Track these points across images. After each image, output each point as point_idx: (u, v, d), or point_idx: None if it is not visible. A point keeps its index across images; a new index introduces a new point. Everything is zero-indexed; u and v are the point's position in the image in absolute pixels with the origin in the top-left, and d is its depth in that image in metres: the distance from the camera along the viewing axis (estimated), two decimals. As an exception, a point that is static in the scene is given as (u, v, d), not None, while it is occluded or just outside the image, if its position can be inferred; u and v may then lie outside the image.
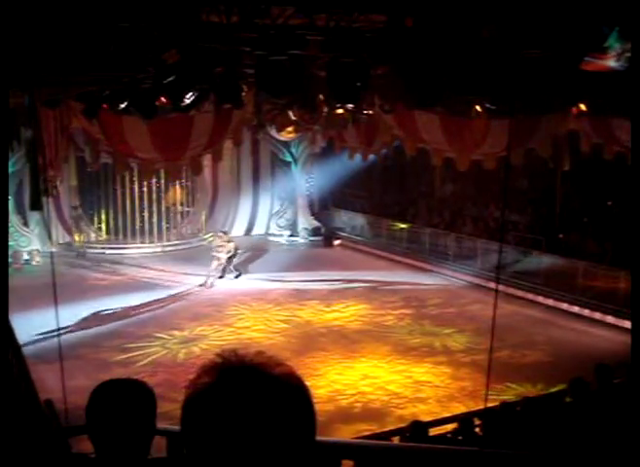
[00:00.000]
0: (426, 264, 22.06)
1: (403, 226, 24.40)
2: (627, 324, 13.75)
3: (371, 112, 16.40)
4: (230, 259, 20.54)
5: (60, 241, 23.89)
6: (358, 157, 21.24)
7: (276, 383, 1.18)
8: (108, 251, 23.82)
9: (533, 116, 14.99)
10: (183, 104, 12.10)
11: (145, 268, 21.96)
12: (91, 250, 23.89)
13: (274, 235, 26.72)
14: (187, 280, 20.17)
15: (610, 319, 16.47)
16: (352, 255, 24.50)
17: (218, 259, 20.26)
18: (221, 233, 21.22)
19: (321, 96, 13.43)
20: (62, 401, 8.56)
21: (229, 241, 20.89)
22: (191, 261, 22.10)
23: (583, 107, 14.79)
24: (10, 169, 17.70)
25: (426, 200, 26.29)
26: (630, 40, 8.09)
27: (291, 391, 1.19)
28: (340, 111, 15.46)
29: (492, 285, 17.56)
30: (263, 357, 1.22)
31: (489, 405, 8.46)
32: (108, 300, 17.99)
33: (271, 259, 23.13)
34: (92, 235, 25.07)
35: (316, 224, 26.50)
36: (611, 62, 8.71)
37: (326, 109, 14.96)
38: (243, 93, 13.11)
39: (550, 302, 18.14)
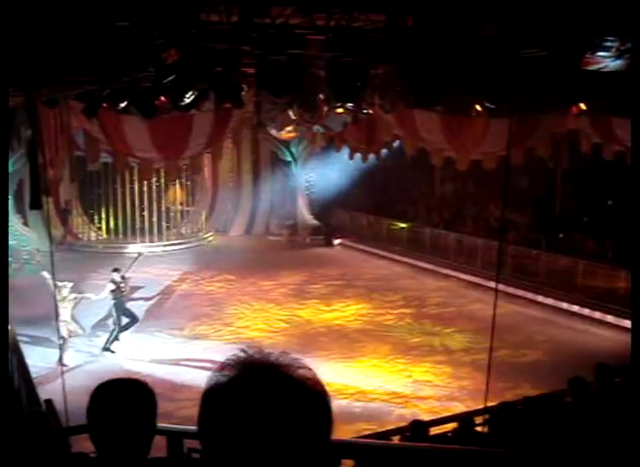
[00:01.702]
0: (426, 263, 22.06)
1: (403, 225, 24.42)
2: (627, 323, 13.75)
3: (370, 111, 16.41)
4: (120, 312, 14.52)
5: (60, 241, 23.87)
6: (358, 156, 21.27)
7: (297, 385, 1.19)
8: (108, 250, 23.83)
9: (533, 115, 15.00)
10: (183, 104, 12.09)
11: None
12: (91, 249, 23.92)
13: (274, 235, 26.71)
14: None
15: (610, 318, 16.47)
16: (352, 254, 24.50)
17: (66, 322, 13.63)
18: (67, 285, 13.88)
19: (321, 96, 13.44)
20: (62, 401, 8.59)
21: (119, 286, 14.42)
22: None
23: (582, 106, 14.80)
24: (10, 169, 17.69)
25: (426, 200, 26.28)
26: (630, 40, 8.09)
27: (310, 395, 1.20)
28: (340, 110, 15.47)
29: (492, 284, 17.56)
30: (287, 358, 1.22)
31: (489, 404, 8.46)
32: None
33: (271, 258, 23.12)
34: (93, 234, 25.09)
35: (316, 223, 26.49)
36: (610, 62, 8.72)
37: (326, 108, 14.96)
38: (243, 93, 13.12)
39: (549, 301, 18.15)
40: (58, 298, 13.20)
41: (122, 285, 14.50)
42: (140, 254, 15.82)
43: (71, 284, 13.96)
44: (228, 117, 16.97)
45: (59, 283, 13.36)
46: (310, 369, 1.23)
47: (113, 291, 14.35)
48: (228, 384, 1.19)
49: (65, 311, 13.47)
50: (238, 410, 1.15)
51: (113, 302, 14.41)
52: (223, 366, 1.22)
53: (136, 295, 15.70)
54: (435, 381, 13.23)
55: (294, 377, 1.19)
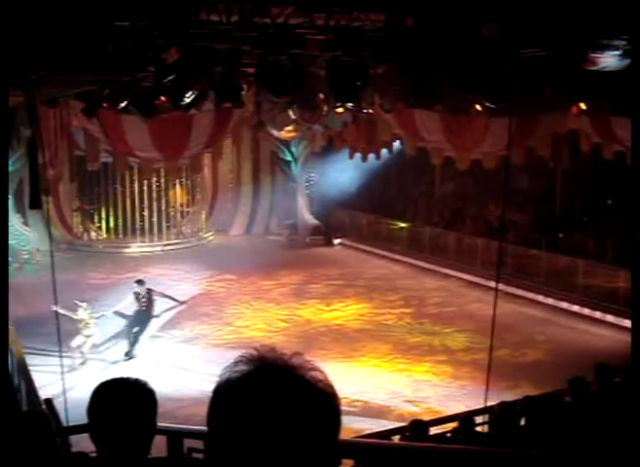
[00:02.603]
0: (426, 263, 22.05)
1: (403, 225, 24.42)
2: (627, 323, 13.75)
3: (371, 111, 16.41)
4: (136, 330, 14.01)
5: (60, 240, 23.85)
6: (358, 156, 21.26)
7: (307, 387, 1.19)
8: (108, 250, 23.83)
9: (533, 115, 15.01)
10: (183, 103, 12.09)
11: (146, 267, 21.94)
12: (91, 249, 23.90)
13: (274, 235, 26.69)
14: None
15: (610, 318, 16.47)
16: (352, 254, 24.49)
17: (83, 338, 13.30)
18: (84, 305, 13.45)
19: (321, 95, 13.43)
20: (63, 400, 8.59)
21: (139, 299, 13.91)
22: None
23: (583, 106, 14.80)
24: (10, 168, 17.67)
25: (426, 199, 26.28)
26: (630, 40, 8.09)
27: (319, 397, 1.20)
28: (340, 110, 15.46)
29: (492, 284, 17.56)
30: (299, 359, 1.23)
31: (489, 404, 8.45)
32: (109, 299, 17.98)
33: (271, 258, 23.11)
34: (93, 234, 25.08)
35: (316, 223, 26.47)
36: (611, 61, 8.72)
37: (326, 108, 14.96)
38: (243, 93, 13.12)
39: (550, 301, 18.15)
40: (76, 318, 13.04)
41: (142, 300, 13.89)
42: (184, 302, 14.94)
43: (85, 304, 13.46)
44: (228, 117, 16.99)
45: (78, 302, 13.14)
46: (322, 371, 1.23)
47: (136, 302, 13.89)
48: (239, 381, 1.19)
49: (88, 330, 13.22)
50: (248, 407, 1.16)
51: (132, 313, 13.93)
52: (237, 362, 1.22)
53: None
54: (435, 381, 13.23)
55: (305, 379, 1.19)
